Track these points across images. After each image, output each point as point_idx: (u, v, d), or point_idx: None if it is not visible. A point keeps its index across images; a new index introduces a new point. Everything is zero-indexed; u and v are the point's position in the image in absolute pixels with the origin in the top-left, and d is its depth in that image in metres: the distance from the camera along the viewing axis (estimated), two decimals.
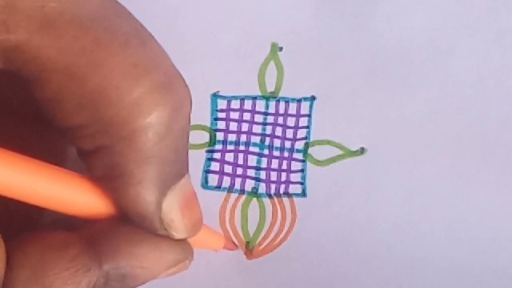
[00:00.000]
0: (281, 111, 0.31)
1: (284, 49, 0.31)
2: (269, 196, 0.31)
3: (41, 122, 0.21)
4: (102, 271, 0.19)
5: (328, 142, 0.31)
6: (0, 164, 0.18)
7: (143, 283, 0.21)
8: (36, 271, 0.19)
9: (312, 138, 0.31)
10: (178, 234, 0.20)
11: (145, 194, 0.19)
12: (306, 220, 0.31)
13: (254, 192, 0.31)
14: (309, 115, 0.31)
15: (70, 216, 0.20)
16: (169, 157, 0.19)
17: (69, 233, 0.20)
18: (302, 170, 0.31)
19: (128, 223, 0.20)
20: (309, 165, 0.31)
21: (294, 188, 0.31)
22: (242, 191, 0.31)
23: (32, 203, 0.19)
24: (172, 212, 0.20)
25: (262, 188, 0.31)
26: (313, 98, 0.31)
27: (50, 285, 0.19)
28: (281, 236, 0.31)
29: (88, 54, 0.17)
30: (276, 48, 0.31)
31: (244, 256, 0.31)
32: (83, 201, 0.20)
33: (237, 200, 0.31)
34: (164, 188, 0.19)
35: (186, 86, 0.20)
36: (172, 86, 0.19)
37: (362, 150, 0.31)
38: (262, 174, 0.31)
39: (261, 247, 0.31)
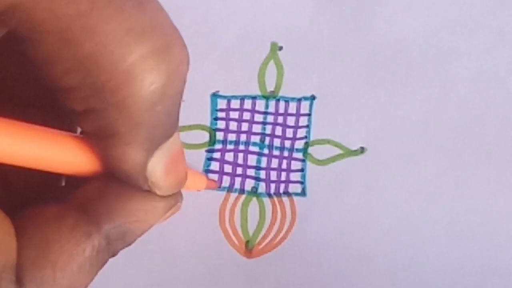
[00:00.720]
0: (281, 110, 0.31)
1: (284, 48, 0.31)
2: (269, 195, 0.31)
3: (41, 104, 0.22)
4: (103, 233, 0.20)
5: (328, 142, 0.31)
6: None
7: (142, 235, 0.21)
8: (41, 250, 0.19)
9: (312, 138, 0.31)
10: (161, 192, 0.21)
11: (132, 154, 0.19)
12: (306, 220, 0.31)
13: (254, 192, 0.31)
14: (309, 115, 0.31)
15: (59, 175, 0.20)
16: (160, 121, 0.19)
17: (62, 204, 0.20)
18: (302, 170, 0.31)
19: (116, 182, 0.20)
20: (309, 164, 0.31)
21: (294, 188, 0.31)
22: (242, 191, 0.31)
23: (24, 164, 0.19)
24: (157, 171, 0.20)
25: (262, 187, 0.31)
26: (313, 97, 0.31)
27: (58, 260, 0.19)
28: (281, 235, 0.31)
29: (82, 18, 0.17)
30: (276, 48, 0.31)
31: (244, 256, 0.31)
32: (71, 157, 0.20)
33: (237, 199, 0.31)
34: (152, 149, 0.19)
35: (184, 47, 0.19)
36: (169, 50, 0.18)
37: (362, 150, 0.31)
38: (262, 174, 0.31)
39: (261, 246, 0.31)
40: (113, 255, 0.21)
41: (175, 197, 0.22)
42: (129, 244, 0.21)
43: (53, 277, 0.19)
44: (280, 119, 0.31)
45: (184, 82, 0.19)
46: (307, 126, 0.31)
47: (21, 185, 0.21)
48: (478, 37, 0.31)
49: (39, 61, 0.18)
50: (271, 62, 0.31)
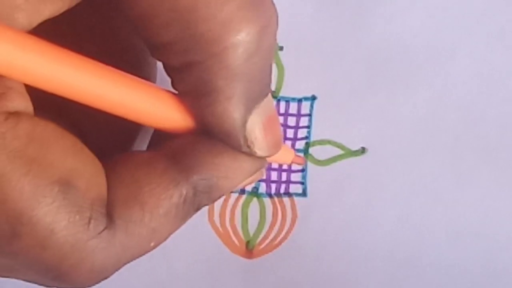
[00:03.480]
0: (282, 110, 0.31)
1: (284, 49, 0.31)
2: (270, 195, 0.31)
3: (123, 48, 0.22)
4: (190, 183, 0.20)
5: (329, 142, 0.31)
6: (94, 76, 0.19)
7: (225, 193, 0.21)
8: (132, 190, 0.19)
9: (312, 138, 0.31)
10: (260, 152, 0.21)
11: (232, 110, 0.19)
12: (307, 220, 0.31)
13: (255, 192, 0.31)
14: (309, 115, 0.31)
15: (151, 128, 0.21)
16: (256, 75, 0.19)
17: (153, 151, 0.21)
18: (303, 170, 0.31)
19: (208, 137, 0.20)
20: (309, 164, 0.31)
21: (295, 188, 0.31)
22: (242, 191, 0.31)
23: (120, 115, 0.20)
24: (256, 130, 0.20)
25: (262, 187, 0.31)
26: (313, 97, 0.31)
27: (147, 201, 0.19)
28: (281, 236, 0.31)
29: None
30: (276, 48, 0.31)
31: (244, 256, 0.31)
32: (167, 114, 0.20)
33: (237, 199, 0.31)
34: (250, 106, 0.20)
35: (274, 4, 0.20)
36: (261, 3, 0.19)
37: (362, 150, 0.31)
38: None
39: (261, 246, 0.31)
40: (197, 209, 0.21)
41: (261, 161, 0.22)
42: (213, 201, 0.21)
43: (141, 217, 0.19)
44: (280, 120, 0.31)
45: (275, 38, 0.20)
46: (308, 127, 0.31)
47: (102, 135, 0.22)
48: (478, 37, 0.31)
49: (137, 17, 0.18)
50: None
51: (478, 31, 0.31)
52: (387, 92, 0.31)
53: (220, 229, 0.31)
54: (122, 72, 0.20)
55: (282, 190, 0.31)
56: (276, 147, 0.22)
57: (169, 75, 0.20)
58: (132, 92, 0.20)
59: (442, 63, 0.31)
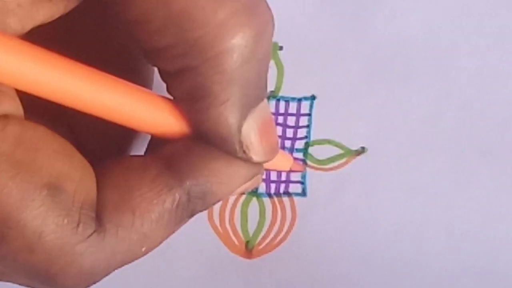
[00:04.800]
0: (281, 110, 0.31)
1: (284, 48, 0.31)
2: (269, 195, 0.31)
3: (121, 48, 0.22)
4: (184, 189, 0.20)
5: (328, 142, 0.31)
6: (88, 81, 0.19)
7: (221, 199, 0.21)
8: (123, 194, 0.19)
9: (312, 138, 0.31)
10: (256, 157, 0.21)
11: (227, 115, 0.19)
12: (306, 220, 0.31)
13: (254, 192, 0.31)
14: (309, 114, 0.31)
15: (145, 133, 0.21)
16: (251, 80, 0.19)
17: (147, 156, 0.21)
18: None
19: (202, 142, 0.20)
20: (309, 164, 0.31)
21: (294, 188, 0.31)
22: None
23: (115, 121, 0.20)
24: (251, 135, 0.20)
25: (262, 187, 0.31)
26: (313, 97, 0.31)
27: (138, 206, 0.19)
28: (281, 235, 0.31)
29: None
30: (276, 48, 0.31)
31: (244, 256, 0.31)
32: (162, 120, 0.20)
33: (237, 199, 0.31)
34: (245, 111, 0.20)
35: (270, 9, 0.20)
36: (257, 8, 0.19)
37: (362, 150, 0.31)
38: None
39: (261, 246, 0.31)
40: (191, 215, 0.20)
41: (257, 167, 0.21)
42: (207, 207, 0.21)
43: (132, 222, 0.19)
44: (280, 119, 0.31)
45: (271, 44, 0.20)
46: (307, 126, 0.31)
47: (98, 139, 0.22)
48: (478, 37, 0.31)
49: (131, 22, 0.18)
50: (271, 62, 0.31)
51: (478, 31, 0.31)
52: (387, 92, 0.31)
53: (220, 229, 0.31)
54: (116, 78, 0.19)
55: (281, 190, 0.31)
56: (272, 152, 0.21)
57: (164, 80, 0.20)
58: (127, 98, 0.19)
59: (442, 63, 0.31)
